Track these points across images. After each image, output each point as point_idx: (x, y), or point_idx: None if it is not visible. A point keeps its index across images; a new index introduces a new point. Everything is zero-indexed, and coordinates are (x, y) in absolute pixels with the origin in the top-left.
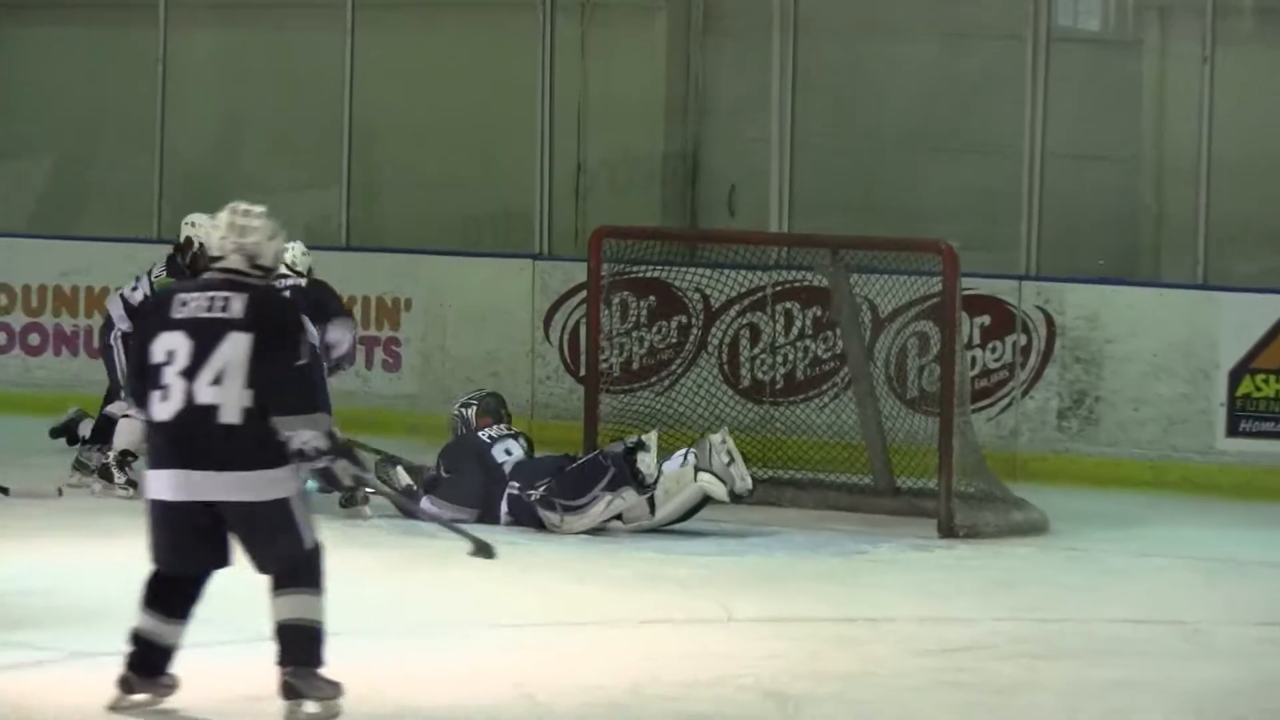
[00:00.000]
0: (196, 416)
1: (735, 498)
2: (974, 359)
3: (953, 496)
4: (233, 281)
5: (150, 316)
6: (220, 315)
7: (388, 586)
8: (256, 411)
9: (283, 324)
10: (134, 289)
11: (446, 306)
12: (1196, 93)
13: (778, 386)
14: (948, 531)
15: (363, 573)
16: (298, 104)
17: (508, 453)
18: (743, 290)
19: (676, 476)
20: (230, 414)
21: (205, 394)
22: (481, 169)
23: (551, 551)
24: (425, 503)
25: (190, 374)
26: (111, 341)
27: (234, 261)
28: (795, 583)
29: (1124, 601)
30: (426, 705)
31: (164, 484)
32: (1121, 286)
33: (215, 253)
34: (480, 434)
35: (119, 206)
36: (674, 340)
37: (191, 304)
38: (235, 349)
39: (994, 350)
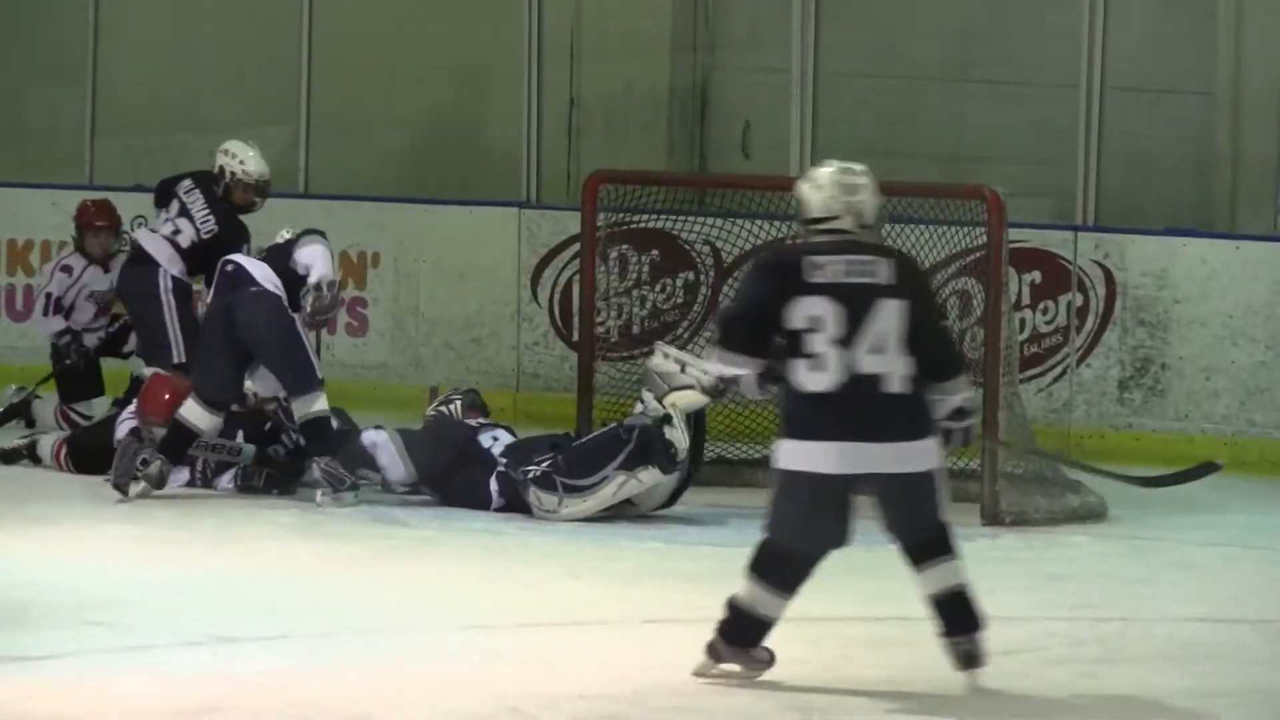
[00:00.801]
0: (862, 386)
1: (714, 393)
2: (1023, 321)
3: (998, 478)
4: (866, 245)
5: (781, 279)
6: (868, 281)
7: (356, 583)
8: (915, 379)
9: (927, 287)
10: (174, 230)
11: (420, 262)
12: None
13: None
14: (992, 518)
15: (329, 567)
16: (249, 30)
17: (494, 439)
18: (758, 243)
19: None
20: (895, 383)
21: (868, 363)
22: (460, 105)
23: (545, 543)
24: (374, 433)
25: (846, 342)
26: (162, 292)
27: (845, 222)
28: (818, 577)
29: (1194, 598)
30: (396, 719)
31: (824, 457)
32: (1192, 239)
33: (820, 213)
34: (469, 421)
35: (44, 148)
36: (680, 300)
37: (829, 268)
38: (890, 315)
39: (1046, 311)
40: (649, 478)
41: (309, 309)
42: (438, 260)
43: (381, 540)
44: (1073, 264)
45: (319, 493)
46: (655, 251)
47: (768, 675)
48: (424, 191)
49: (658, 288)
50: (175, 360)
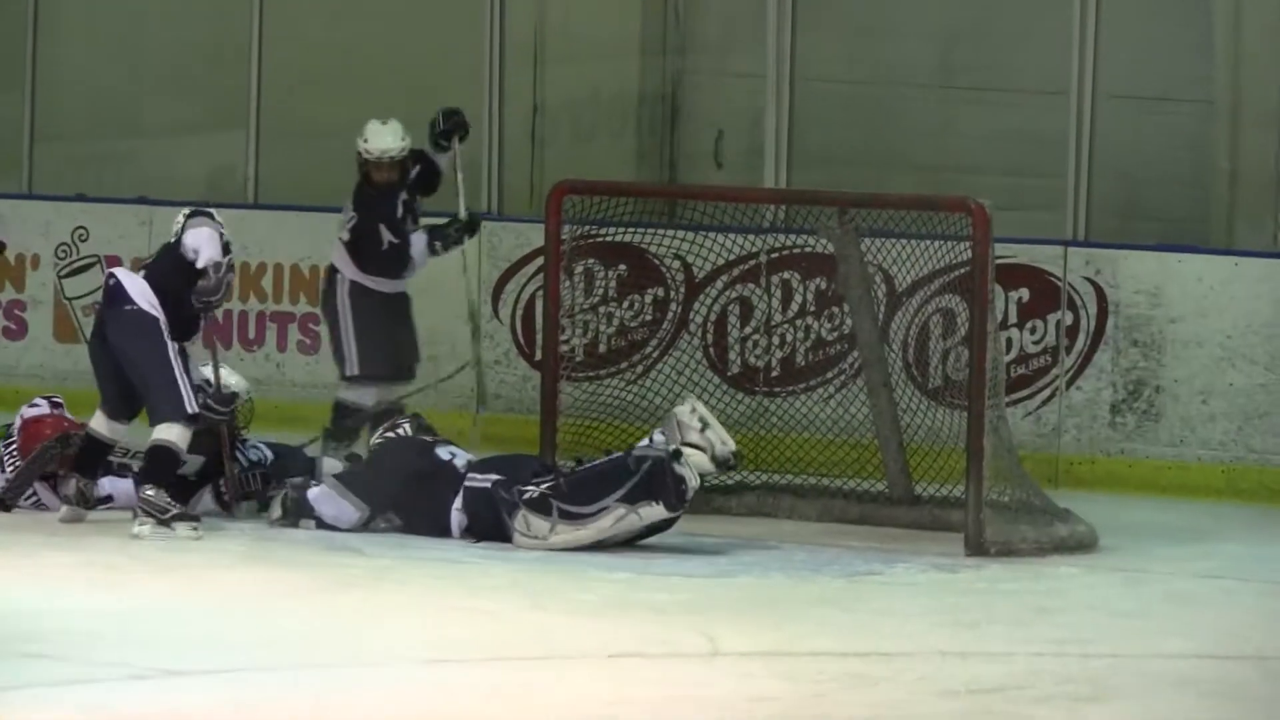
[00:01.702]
0: None
1: (721, 465)
2: (1009, 341)
3: (983, 506)
4: None
5: None
6: None
7: (308, 614)
8: None
9: None
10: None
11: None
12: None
13: (773, 374)
14: (977, 548)
15: (280, 597)
16: (197, 30)
17: (451, 454)
18: (731, 258)
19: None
20: None
21: None
22: (417, 111)
23: (508, 572)
24: (313, 490)
25: None
26: (338, 301)
27: None
28: (794, 609)
29: (1188, 632)
30: None
31: None
32: (1188, 254)
33: None
34: (424, 438)
35: None
36: (649, 317)
37: None
38: None
39: (1034, 331)
40: (650, 514)
41: (194, 292)
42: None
43: (336, 569)
44: (1062, 281)
45: (136, 522)
46: (623, 266)
47: (737, 712)
48: None
49: (625, 304)
50: (347, 373)
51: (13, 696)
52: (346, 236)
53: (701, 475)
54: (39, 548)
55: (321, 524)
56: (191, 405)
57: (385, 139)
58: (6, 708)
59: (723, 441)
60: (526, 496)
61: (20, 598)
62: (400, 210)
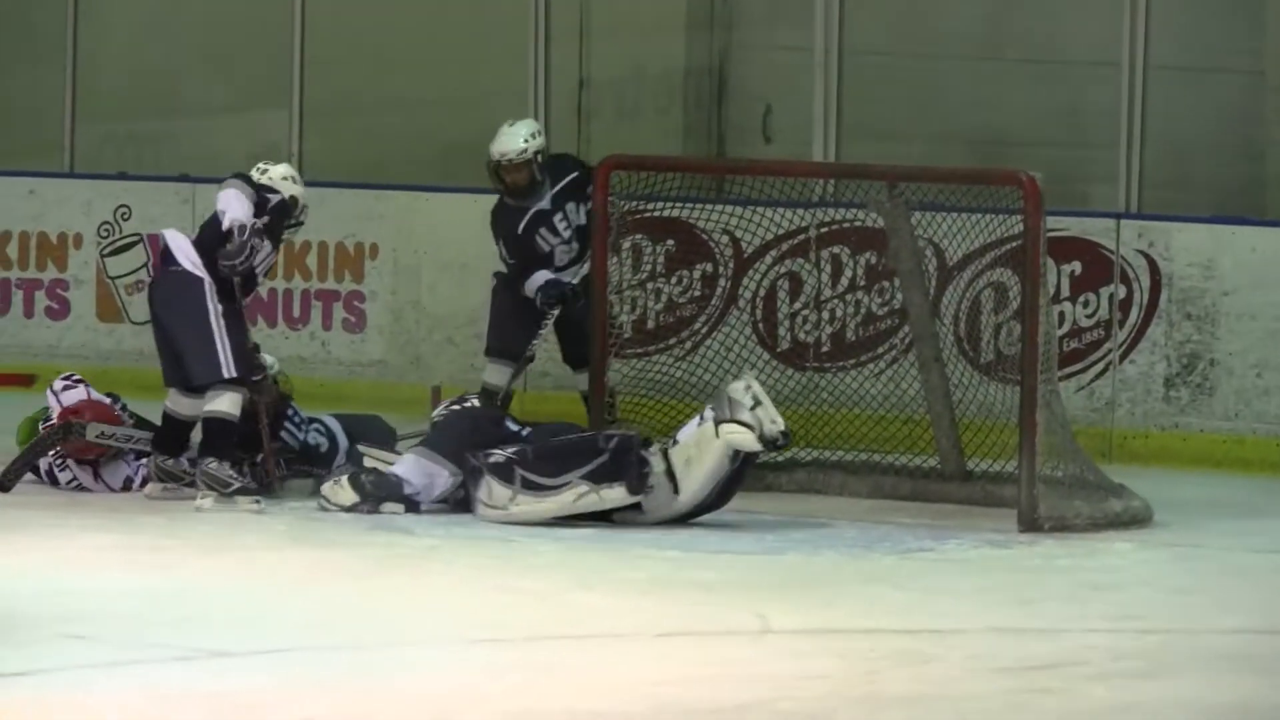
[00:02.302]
0: None
1: (769, 444)
2: (1062, 315)
3: (1036, 482)
4: None
5: None
6: None
7: (354, 594)
8: None
9: None
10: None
11: (421, 254)
12: None
13: (823, 349)
14: (1030, 524)
15: (326, 577)
16: (238, 7)
17: (520, 427)
18: (780, 232)
19: (696, 439)
20: None
21: None
22: (462, 86)
23: (554, 551)
24: (400, 464)
25: None
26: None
27: None
28: (844, 587)
29: (1244, 608)
30: None
31: None
32: (1242, 226)
33: None
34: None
35: (21, 133)
36: (697, 293)
37: None
38: None
39: (1086, 304)
40: (611, 496)
41: (219, 256)
42: (439, 251)
43: (381, 548)
44: (1115, 254)
45: (199, 496)
46: (671, 241)
47: (787, 691)
48: (424, 178)
49: (674, 280)
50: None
51: (55, 678)
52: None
53: (750, 453)
54: (81, 529)
55: (410, 506)
56: (230, 369)
57: (503, 141)
58: (48, 690)
59: (772, 420)
60: (492, 460)
61: (62, 578)
62: (528, 224)
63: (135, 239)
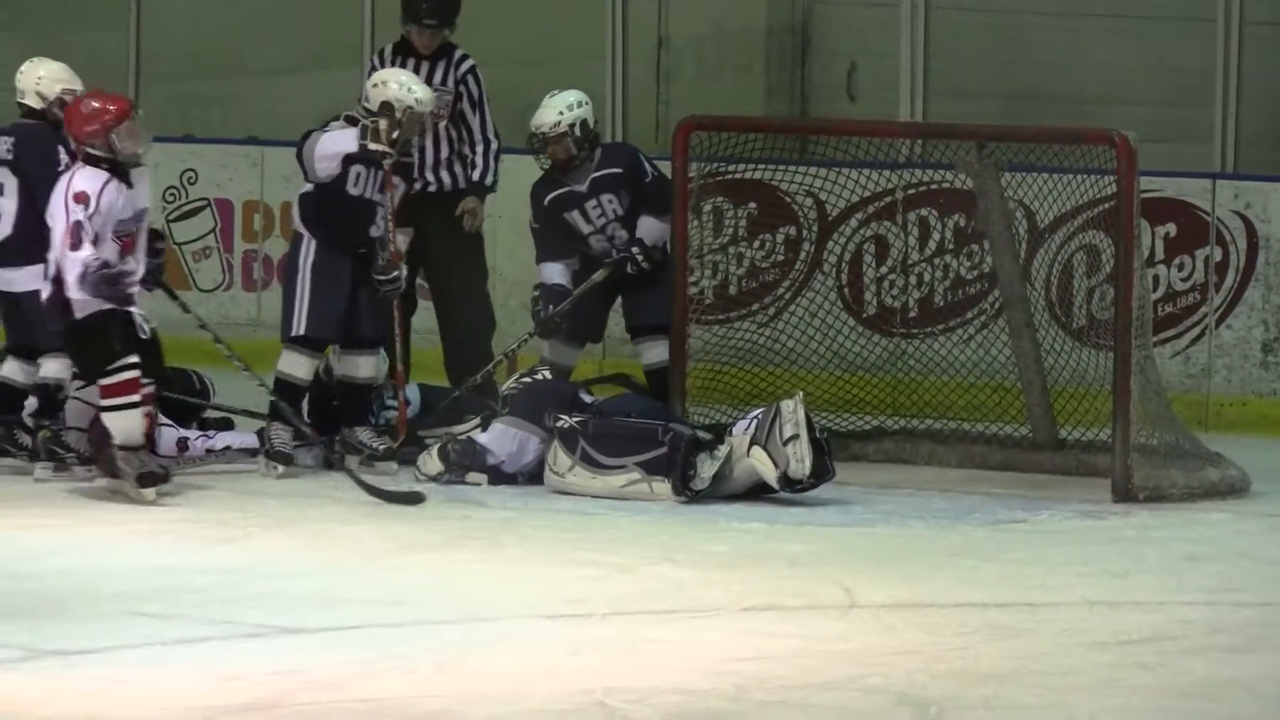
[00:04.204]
0: None
1: (787, 483)
2: (1156, 278)
3: (1131, 451)
4: None
5: None
6: None
7: (428, 568)
8: None
9: None
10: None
11: (496, 217)
12: None
13: (911, 315)
14: (1124, 494)
15: (400, 551)
16: None
17: (593, 398)
18: (866, 194)
19: (736, 444)
20: None
21: None
22: (538, 46)
23: (635, 524)
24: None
25: None
26: None
27: None
28: (934, 559)
29: None
30: (473, 716)
31: None
32: None
33: None
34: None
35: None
36: (780, 257)
37: None
38: None
39: (1181, 267)
40: (661, 490)
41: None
42: (515, 214)
43: (457, 522)
44: (1210, 215)
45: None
46: (753, 204)
47: (875, 666)
48: (500, 139)
49: (756, 244)
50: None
51: (124, 655)
52: None
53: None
54: (149, 505)
55: (497, 476)
56: (298, 327)
57: (540, 112)
58: (117, 667)
59: (799, 460)
60: (560, 424)
61: (130, 554)
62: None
63: (202, 203)
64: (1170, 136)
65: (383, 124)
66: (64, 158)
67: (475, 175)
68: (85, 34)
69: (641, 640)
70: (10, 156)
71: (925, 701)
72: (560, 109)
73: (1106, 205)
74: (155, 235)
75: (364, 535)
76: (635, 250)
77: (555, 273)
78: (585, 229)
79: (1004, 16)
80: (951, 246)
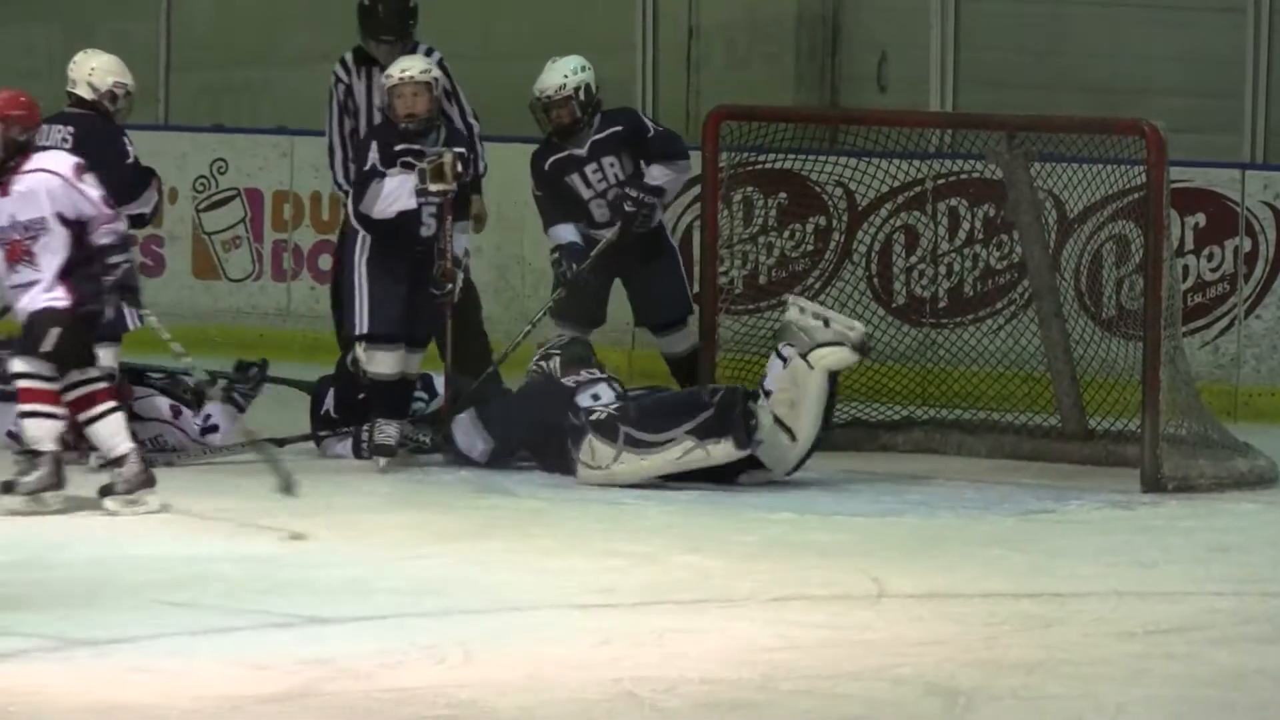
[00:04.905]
0: None
1: (862, 350)
2: (1186, 268)
3: (1160, 441)
4: None
5: None
6: None
7: (457, 558)
8: None
9: None
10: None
11: (524, 205)
12: None
13: (940, 304)
14: (1153, 485)
15: (428, 541)
16: None
17: (595, 398)
18: (896, 184)
19: (790, 379)
20: None
21: None
22: (567, 34)
23: (663, 514)
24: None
25: None
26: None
27: None
28: (963, 549)
29: None
30: (502, 706)
31: None
32: None
33: None
34: (565, 380)
35: None
36: (810, 247)
37: None
38: None
39: (1211, 258)
40: (720, 452)
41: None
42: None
43: (486, 511)
44: (1240, 205)
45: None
46: (783, 194)
47: (904, 657)
48: (528, 128)
49: (786, 234)
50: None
51: (152, 645)
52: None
53: (847, 369)
54: (177, 493)
55: (456, 456)
56: (361, 325)
57: (544, 76)
58: (146, 656)
59: (849, 327)
60: (594, 418)
61: (158, 544)
62: (553, 166)
63: (232, 193)
64: (1200, 126)
65: (446, 159)
66: (129, 148)
67: (472, 168)
68: (117, 22)
69: (669, 630)
70: (68, 146)
71: (954, 692)
72: (565, 72)
73: (1136, 195)
74: (110, 249)
75: (392, 525)
76: (629, 190)
77: (569, 231)
78: (585, 193)
79: (1034, 6)
80: (981, 236)
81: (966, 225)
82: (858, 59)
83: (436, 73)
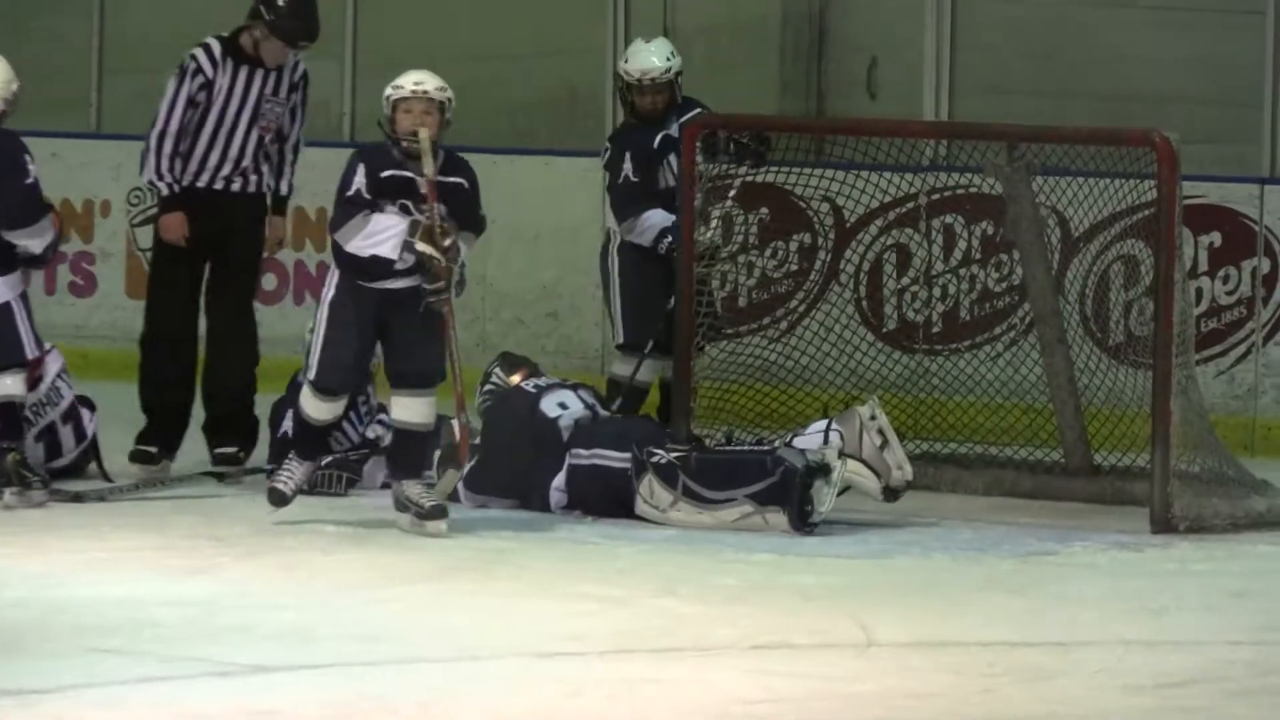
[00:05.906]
0: None
1: (890, 494)
2: (1199, 291)
3: (1171, 478)
4: None
5: None
6: None
7: (413, 603)
8: None
9: None
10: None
11: (489, 223)
12: None
13: (934, 330)
14: (1164, 525)
15: (382, 584)
16: None
17: (562, 406)
18: (887, 199)
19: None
20: None
21: None
22: (534, 39)
23: (636, 554)
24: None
25: None
26: (608, 264)
27: None
28: (958, 594)
29: None
30: None
31: None
32: None
33: None
34: (525, 385)
35: (44, 90)
36: (794, 267)
37: None
38: None
39: (1226, 279)
40: (774, 521)
41: None
42: (508, 220)
43: (444, 552)
44: (1259, 223)
45: (6, 491)
46: (765, 210)
47: (894, 709)
48: (493, 140)
49: (768, 252)
50: (618, 341)
51: (83, 695)
52: (605, 178)
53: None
54: (112, 529)
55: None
56: (309, 369)
57: (643, 58)
58: (75, 707)
59: (899, 467)
60: (655, 460)
61: (92, 586)
62: (660, 146)
63: None
64: (1215, 137)
65: (437, 218)
66: (31, 166)
67: (283, 188)
68: (45, 21)
69: (643, 681)
70: None
71: None
72: (666, 54)
73: (1146, 212)
74: None
75: (344, 565)
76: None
77: (664, 215)
78: (672, 181)
79: (1036, 7)
80: (979, 256)
81: (963, 244)
82: (846, 64)
83: (450, 93)
